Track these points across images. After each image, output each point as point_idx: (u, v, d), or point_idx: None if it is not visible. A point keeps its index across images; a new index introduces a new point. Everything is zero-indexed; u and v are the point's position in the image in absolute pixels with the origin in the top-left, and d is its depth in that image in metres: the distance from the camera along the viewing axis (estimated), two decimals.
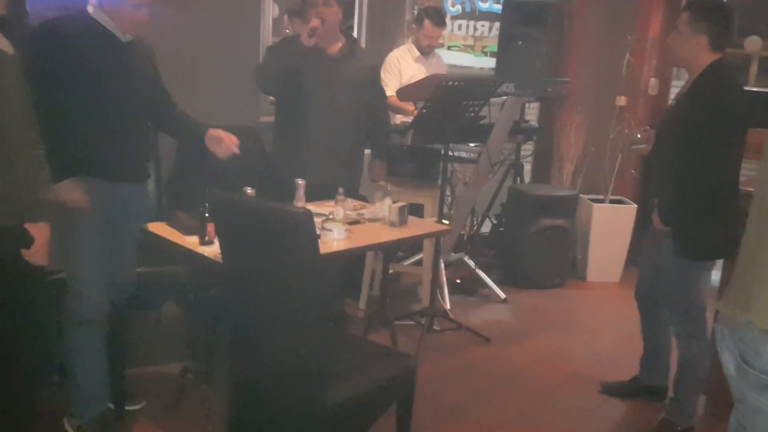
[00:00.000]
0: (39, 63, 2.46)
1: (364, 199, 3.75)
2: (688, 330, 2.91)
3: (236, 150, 2.84)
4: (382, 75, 4.39)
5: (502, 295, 4.49)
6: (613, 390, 3.35)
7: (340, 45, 3.49)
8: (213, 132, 2.84)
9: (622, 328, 4.00)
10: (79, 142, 2.52)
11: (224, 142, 2.82)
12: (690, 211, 2.74)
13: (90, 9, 2.57)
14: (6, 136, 2.09)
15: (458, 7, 5.80)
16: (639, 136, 3.12)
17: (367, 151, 3.83)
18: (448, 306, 4.17)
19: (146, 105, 2.73)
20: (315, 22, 3.26)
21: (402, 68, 4.48)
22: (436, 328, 3.86)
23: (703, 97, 2.67)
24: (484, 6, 5.87)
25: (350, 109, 3.48)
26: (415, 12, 5.70)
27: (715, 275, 2.98)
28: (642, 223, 3.11)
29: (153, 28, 2.66)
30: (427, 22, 4.48)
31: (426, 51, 4.57)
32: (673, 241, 2.79)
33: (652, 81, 5.10)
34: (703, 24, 2.67)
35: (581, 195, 4.95)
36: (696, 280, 2.84)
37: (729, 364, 1.59)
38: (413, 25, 4.63)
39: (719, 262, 3.03)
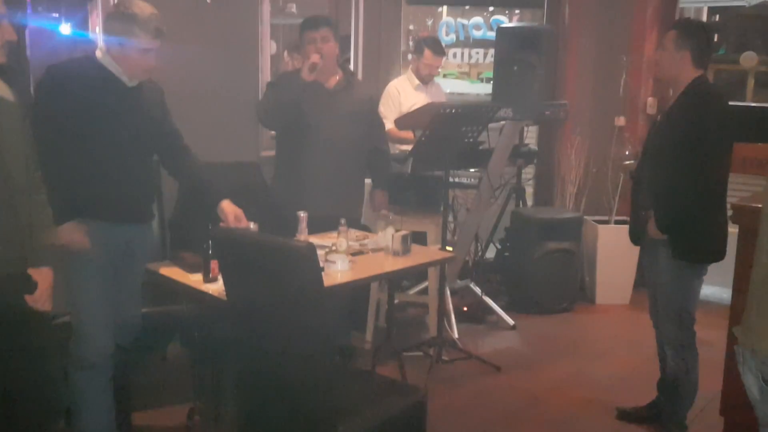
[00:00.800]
0: (45, 106, 2.49)
1: (366, 229, 3.74)
2: (683, 339, 2.98)
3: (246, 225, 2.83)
4: (381, 106, 4.42)
5: (511, 322, 4.44)
6: (630, 416, 3.30)
7: (337, 78, 3.52)
8: (227, 208, 2.82)
9: (636, 351, 3.95)
10: (83, 184, 2.53)
11: (233, 220, 2.80)
12: (686, 217, 2.85)
13: (98, 54, 2.60)
14: (8, 181, 2.09)
15: (452, 36, 5.86)
16: (627, 152, 3.20)
17: (367, 181, 3.83)
18: (456, 335, 4.13)
19: (152, 148, 2.74)
20: (315, 57, 3.31)
21: (402, 98, 4.51)
22: (444, 358, 3.81)
23: (690, 109, 2.83)
24: (478, 34, 5.92)
25: (350, 141, 3.50)
26: (411, 43, 5.76)
27: (708, 290, 3.01)
28: (633, 238, 3.16)
29: (157, 67, 2.68)
30: (427, 52, 4.53)
31: (426, 80, 4.61)
32: (671, 246, 2.88)
33: (650, 100, 5.12)
34: (688, 41, 2.85)
35: (585, 217, 4.93)
36: (691, 286, 2.95)
37: (753, 387, 1.56)
38: (413, 55, 4.68)
39: (724, 281, 3.05)
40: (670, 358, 3.04)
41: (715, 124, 2.78)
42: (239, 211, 2.82)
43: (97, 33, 3.84)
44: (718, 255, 2.93)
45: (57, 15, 6.67)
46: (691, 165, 2.77)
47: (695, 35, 2.87)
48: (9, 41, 2.06)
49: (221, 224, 2.79)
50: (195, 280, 2.74)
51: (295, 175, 3.48)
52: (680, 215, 2.86)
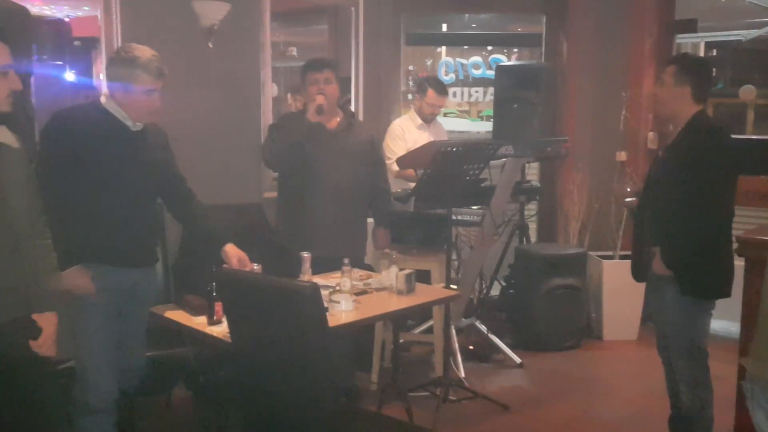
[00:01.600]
0: (50, 151, 2.52)
1: (369, 268, 3.73)
2: (696, 375, 2.92)
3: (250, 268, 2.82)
4: (389, 142, 4.48)
5: (518, 360, 4.40)
6: None
7: (338, 120, 3.56)
8: (230, 251, 2.83)
9: (646, 388, 3.89)
10: (88, 229, 2.54)
11: (237, 263, 2.81)
12: (692, 252, 2.81)
13: (102, 99, 2.63)
14: (12, 227, 2.10)
15: (452, 76, 5.94)
16: (629, 189, 3.18)
17: (369, 220, 3.84)
18: (462, 374, 4.08)
19: (156, 192, 2.76)
20: (321, 99, 3.36)
21: (406, 136, 4.55)
22: (452, 398, 3.76)
23: (693, 145, 2.80)
24: (477, 73, 6.00)
25: (352, 181, 3.53)
26: (410, 83, 5.84)
27: (716, 324, 2.97)
28: (637, 275, 3.14)
29: (160, 110, 2.71)
30: (430, 91, 4.58)
31: (429, 119, 4.65)
32: (678, 282, 2.85)
33: (650, 135, 5.15)
34: (687, 76, 2.84)
35: (590, 252, 4.92)
36: (701, 322, 2.90)
37: (762, 423, 1.53)
38: (416, 95, 4.72)
39: (732, 314, 3.02)
40: (684, 395, 2.97)
41: (719, 159, 2.77)
42: (243, 255, 2.82)
43: (101, 79, 3.90)
44: (726, 290, 2.88)
45: (61, 62, 6.78)
46: (697, 201, 2.75)
47: (695, 70, 2.87)
48: (14, 90, 2.09)
49: (225, 266, 2.79)
50: (199, 322, 2.73)
51: (299, 216, 3.49)
52: (686, 251, 2.83)
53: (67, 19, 7.06)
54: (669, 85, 2.88)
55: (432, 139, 4.40)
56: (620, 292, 4.76)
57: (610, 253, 4.92)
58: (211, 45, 3.96)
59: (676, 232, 2.84)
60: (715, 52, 7.69)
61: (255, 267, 2.86)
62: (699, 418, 2.93)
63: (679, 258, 2.85)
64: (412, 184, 4.35)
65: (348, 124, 3.59)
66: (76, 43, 6.91)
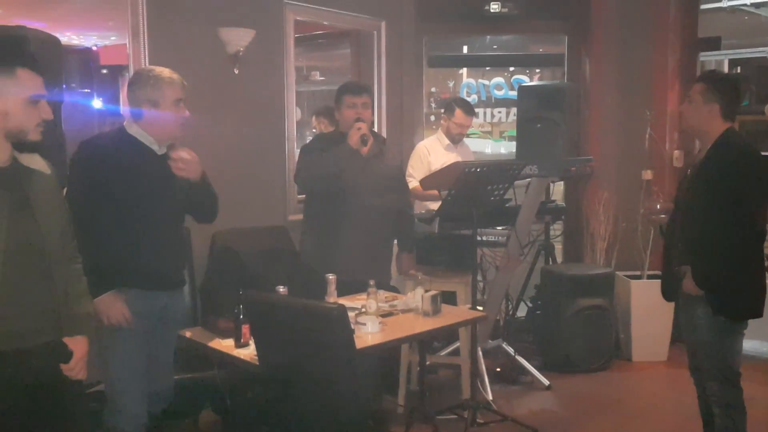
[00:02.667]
0: (79, 179, 2.56)
1: (395, 290, 3.72)
2: (729, 397, 2.88)
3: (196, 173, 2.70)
4: (410, 164, 4.48)
5: (546, 382, 4.34)
6: None
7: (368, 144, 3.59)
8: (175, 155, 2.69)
9: (677, 409, 3.82)
10: (119, 254, 2.57)
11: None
12: (725, 272, 2.78)
13: (126, 125, 2.68)
14: (44, 251, 2.13)
15: (474, 97, 5.96)
16: (658, 207, 3.17)
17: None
18: (490, 396, 4.04)
19: (183, 214, 2.79)
20: (364, 127, 3.35)
21: (432, 158, 4.56)
22: (479, 420, 3.72)
23: (725, 163, 2.78)
24: (500, 93, 6.02)
25: (382, 206, 3.54)
26: (433, 105, 5.87)
27: (748, 344, 2.91)
28: (667, 295, 3.09)
29: (186, 135, 2.75)
30: (458, 111, 4.61)
31: (456, 139, 4.67)
32: (710, 302, 2.81)
33: (676, 153, 5.11)
34: (716, 94, 2.83)
35: (617, 272, 4.86)
36: (732, 343, 2.86)
37: None
38: (444, 115, 4.75)
39: (764, 334, 2.97)
40: (717, 417, 2.92)
41: (750, 178, 2.75)
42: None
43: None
44: (758, 310, 2.84)
45: (89, 90, 6.92)
46: (730, 220, 2.72)
47: (724, 87, 2.86)
48: (45, 120, 2.14)
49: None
50: (226, 345, 2.74)
51: (328, 239, 3.49)
52: (718, 271, 2.79)
53: (95, 48, 7.24)
54: (698, 103, 2.86)
55: (459, 160, 4.41)
56: (649, 312, 4.69)
57: (637, 272, 4.86)
58: (236, 71, 4.02)
59: (707, 252, 2.81)
60: (739, 69, 7.64)
61: (281, 289, 2.87)
62: None
63: (710, 277, 2.81)
64: (435, 206, 4.37)
65: (379, 150, 3.61)
66: (104, 71, 7.07)
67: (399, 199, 3.70)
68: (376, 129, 5.18)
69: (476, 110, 5.82)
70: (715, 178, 2.79)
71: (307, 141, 4.46)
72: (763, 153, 2.92)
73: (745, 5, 5.94)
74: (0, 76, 2.02)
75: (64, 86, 3.61)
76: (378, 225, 3.53)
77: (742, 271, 2.78)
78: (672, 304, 3.30)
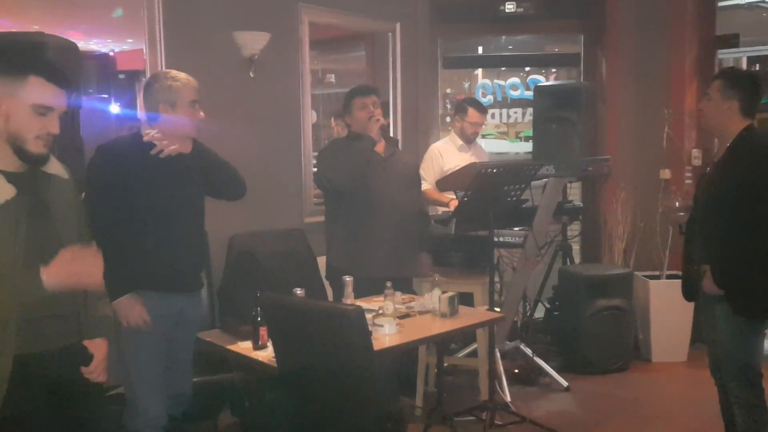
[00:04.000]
0: (96, 184, 2.58)
1: (412, 291, 3.72)
2: (751, 398, 2.84)
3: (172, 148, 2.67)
4: (422, 167, 4.48)
5: (564, 383, 4.31)
6: None
7: (384, 145, 3.60)
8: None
9: (697, 411, 3.78)
10: (137, 257, 2.58)
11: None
12: (744, 270, 2.74)
13: (143, 128, 2.70)
14: None
15: (489, 97, 5.93)
16: (677, 205, 3.15)
17: None
18: (508, 398, 4.02)
19: (201, 215, 2.80)
20: (381, 118, 3.47)
21: (444, 160, 4.55)
22: (498, 422, 3.70)
23: (745, 162, 2.76)
24: (515, 94, 5.99)
25: (405, 204, 3.57)
26: (448, 106, 5.85)
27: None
28: (687, 294, 3.07)
29: (202, 138, 2.77)
30: (471, 110, 4.60)
31: (470, 139, 4.65)
32: (729, 302, 2.78)
33: (695, 152, 5.06)
34: (735, 91, 2.80)
35: (635, 272, 4.82)
36: (753, 343, 2.83)
37: None
38: (456, 116, 4.74)
39: None
40: (738, 417, 2.89)
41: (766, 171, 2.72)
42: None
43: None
44: None
45: (107, 95, 6.98)
46: (748, 219, 2.69)
47: (743, 84, 2.83)
48: (51, 133, 2.06)
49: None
50: (244, 347, 2.75)
51: (355, 238, 3.49)
52: (738, 270, 2.76)
53: (111, 53, 7.30)
54: (716, 100, 2.84)
55: (473, 161, 4.39)
56: (668, 313, 4.65)
57: (656, 272, 4.82)
58: (252, 74, 4.04)
59: (727, 251, 2.78)
60: (758, 67, 7.55)
61: (298, 291, 2.88)
62: None
63: (730, 277, 2.78)
64: (441, 209, 4.37)
65: (393, 150, 3.64)
66: (121, 76, 7.13)
67: (418, 197, 3.74)
68: (391, 131, 5.18)
69: (492, 111, 5.81)
70: (734, 176, 2.76)
71: (324, 144, 4.47)
72: None
73: (763, 1, 5.87)
74: (10, 80, 2.00)
75: (82, 92, 3.66)
76: (403, 222, 3.55)
77: (761, 270, 2.74)
78: (691, 304, 3.27)
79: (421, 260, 3.78)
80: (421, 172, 4.50)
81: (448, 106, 5.94)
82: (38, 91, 2.01)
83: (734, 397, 2.90)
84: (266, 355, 2.63)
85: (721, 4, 5.28)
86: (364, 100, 3.54)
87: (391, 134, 5.17)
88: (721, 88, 2.82)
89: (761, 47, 6.40)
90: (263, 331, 2.67)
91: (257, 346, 2.70)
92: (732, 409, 2.98)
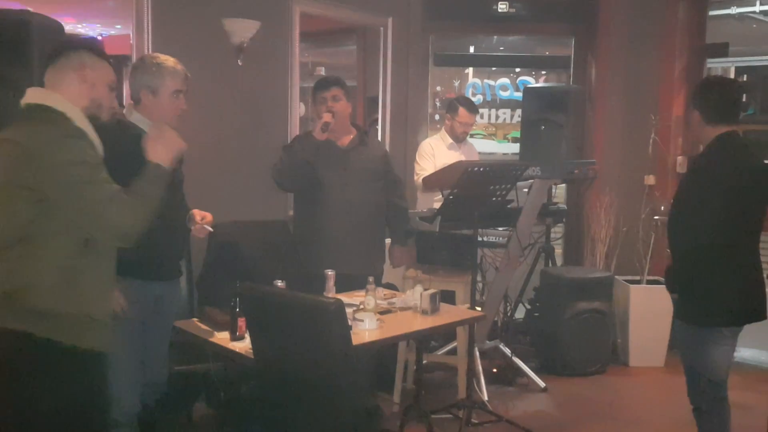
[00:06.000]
0: None
1: (390, 287, 3.71)
2: (702, 404, 2.87)
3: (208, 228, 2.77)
4: (418, 160, 4.52)
5: (542, 384, 4.33)
6: None
7: (351, 137, 3.57)
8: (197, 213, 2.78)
9: (672, 416, 3.80)
10: None
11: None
12: (694, 276, 2.76)
13: (126, 111, 2.66)
14: None
15: (479, 97, 5.94)
16: (662, 208, 3.20)
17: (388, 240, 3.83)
18: (485, 397, 4.02)
19: (182, 203, 2.77)
20: (327, 116, 3.37)
21: (435, 155, 4.55)
22: (474, 420, 3.71)
23: (703, 167, 2.82)
24: (504, 94, 6.00)
25: (365, 197, 3.53)
26: (438, 104, 5.85)
27: (746, 352, 2.89)
28: (669, 285, 3.11)
29: (186, 126, 2.73)
30: (462, 110, 4.60)
31: (460, 138, 4.66)
32: (676, 307, 2.84)
33: (680, 159, 5.09)
34: (696, 101, 2.85)
35: (616, 276, 4.84)
36: (704, 351, 2.80)
37: None
38: (447, 114, 4.74)
39: (762, 343, 2.94)
40: (696, 418, 2.93)
41: (728, 183, 2.69)
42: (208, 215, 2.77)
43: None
44: (734, 318, 2.77)
45: None
46: (700, 221, 2.71)
47: (704, 92, 2.86)
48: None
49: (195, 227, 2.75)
50: (222, 338, 2.72)
51: (313, 233, 3.50)
52: (687, 272, 2.78)
53: (100, 38, 7.22)
54: (689, 110, 2.98)
55: (462, 159, 4.39)
56: (647, 318, 4.68)
57: (637, 277, 4.84)
58: (240, 62, 4.00)
59: (679, 254, 2.82)
60: (745, 77, 7.61)
61: (279, 283, 2.86)
62: None
63: (679, 281, 2.82)
64: (438, 204, 4.35)
65: (360, 141, 3.60)
66: (108, 60, 7.07)
67: (387, 189, 3.68)
68: (380, 126, 5.17)
69: (481, 111, 5.81)
70: (693, 184, 2.81)
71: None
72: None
73: (753, 12, 5.91)
74: (97, 57, 2.20)
75: None
76: (364, 216, 3.52)
77: (713, 279, 2.72)
78: (670, 310, 3.28)
79: (393, 253, 3.78)
80: (417, 166, 4.53)
81: (438, 104, 5.94)
82: (111, 72, 2.23)
83: (691, 400, 2.93)
84: (243, 346, 2.60)
85: (711, 13, 5.31)
86: (323, 94, 3.47)
87: (379, 130, 5.17)
88: (690, 98, 2.96)
89: (750, 57, 6.46)
90: (241, 322, 2.64)
91: (235, 337, 2.67)
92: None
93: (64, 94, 2.11)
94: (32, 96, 2.12)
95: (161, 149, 2.27)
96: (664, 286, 3.09)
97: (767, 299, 2.82)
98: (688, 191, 2.81)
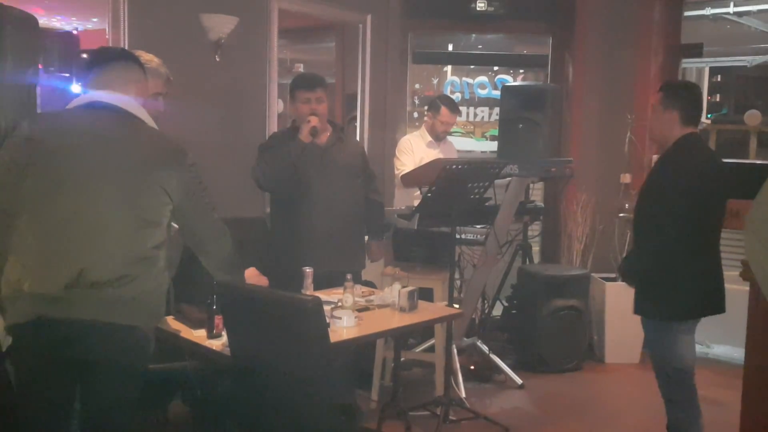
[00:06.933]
0: None
1: (369, 284, 3.71)
2: (674, 395, 2.94)
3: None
4: (399, 156, 4.52)
5: (519, 381, 4.36)
6: None
7: (328, 134, 3.56)
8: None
9: (646, 411, 3.85)
10: None
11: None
12: (655, 272, 2.86)
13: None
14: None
15: (457, 95, 5.95)
16: (627, 206, 3.27)
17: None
18: (463, 394, 4.04)
19: None
20: (314, 120, 3.36)
21: (415, 151, 4.56)
22: (452, 417, 3.72)
23: (667, 164, 2.91)
24: (483, 92, 6.02)
25: (345, 194, 3.53)
26: (416, 101, 5.85)
27: (718, 349, 2.94)
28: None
29: (163, 123, 2.70)
30: (444, 109, 4.61)
31: (440, 137, 4.67)
32: (639, 303, 2.94)
33: (655, 157, 5.13)
34: (675, 101, 2.93)
35: (592, 274, 4.89)
36: (669, 343, 2.90)
37: None
38: (428, 113, 4.74)
39: (735, 339, 3.00)
40: (667, 412, 2.99)
41: (685, 177, 2.80)
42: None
43: None
44: (691, 313, 2.89)
45: (68, 75, 6.80)
46: (655, 218, 2.82)
47: (682, 95, 2.96)
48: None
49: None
50: (198, 335, 2.70)
51: (294, 231, 3.48)
52: (647, 269, 2.88)
53: (75, 32, 7.11)
54: (658, 111, 2.98)
55: (440, 157, 4.40)
56: (623, 315, 4.68)
57: (613, 275, 4.89)
58: (218, 58, 3.97)
59: (637, 247, 2.95)
60: (719, 78, 7.71)
61: None
62: None
63: (629, 272, 2.95)
64: (417, 202, 4.35)
65: (337, 138, 3.60)
66: (84, 55, 6.96)
67: (364, 185, 3.69)
68: (358, 123, 5.16)
69: (459, 108, 5.82)
70: (655, 180, 2.92)
71: None
72: (741, 161, 2.99)
73: (728, 14, 5.99)
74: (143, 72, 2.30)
75: (41, 68, 3.54)
76: (344, 213, 3.52)
77: (672, 272, 2.82)
78: None
79: (370, 248, 3.78)
80: (397, 162, 4.53)
81: (416, 101, 5.95)
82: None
83: (660, 391, 3.00)
84: (220, 344, 2.58)
85: (686, 14, 5.37)
86: (307, 94, 3.43)
87: (358, 127, 5.16)
88: (662, 99, 2.97)
89: (724, 58, 6.54)
90: (218, 320, 2.62)
91: (212, 335, 2.65)
92: None
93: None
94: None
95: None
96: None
97: (724, 293, 2.93)
98: (656, 187, 2.89)
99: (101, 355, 2.08)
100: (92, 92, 2.17)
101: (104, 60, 2.22)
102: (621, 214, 3.32)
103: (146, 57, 2.61)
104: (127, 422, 2.17)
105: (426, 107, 4.97)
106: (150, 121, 2.21)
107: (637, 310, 2.96)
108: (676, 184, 2.79)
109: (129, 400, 2.17)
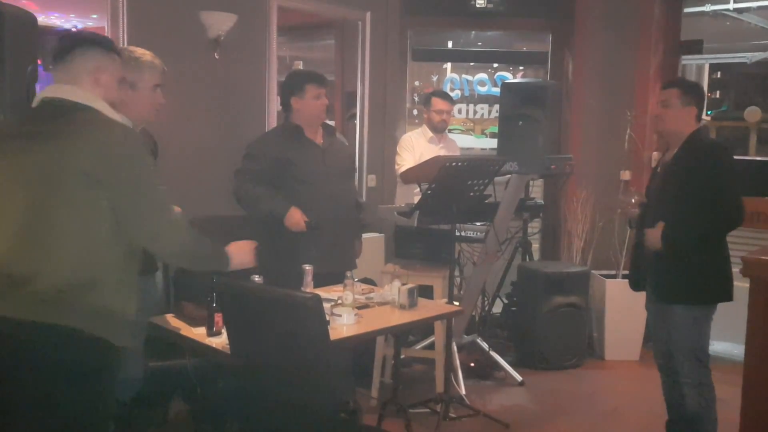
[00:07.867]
0: None
1: (370, 282, 3.71)
2: (701, 377, 3.02)
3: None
4: (399, 152, 4.51)
5: (519, 378, 4.36)
6: None
7: (321, 133, 3.57)
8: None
9: (647, 408, 3.85)
10: None
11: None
12: (689, 258, 2.97)
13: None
14: None
15: (457, 92, 5.94)
16: (633, 200, 3.30)
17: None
18: (463, 391, 4.04)
19: None
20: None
21: (416, 147, 4.56)
22: (452, 415, 3.72)
23: (699, 153, 3.00)
24: (482, 90, 6.00)
25: (344, 194, 3.55)
26: (416, 98, 5.84)
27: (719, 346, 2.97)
28: (634, 284, 3.29)
29: (162, 120, 2.70)
30: (434, 98, 4.62)
31: (439, 129, 4.65)
32: (668, 289, 3.02)
33: (655, 154, 5.14)
34: (692, 98, 3.06)
35: (592, 271, 4.89)
36: (705, 326, 3.03)
37: None
38: (424, 108, 4.75)
39: (735, 336, 3.02)
40: (689, 398, 3.04)
41: (727, 166, 2.96)
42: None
43: None
44: (727, 295, 3.00)
45: None
46: (706, 205, 2.90)
47: (698, 92, 3.11)
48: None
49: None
50: (198, 333, 2.70)
51: (295, 232, 3.46)
52: (686, 255, 2.96)
53: (74, 29, 7.09)
54: (676, 107, 3.06)
55: (441, 154, 4.40)
56: (623, 312, 4.73)
57: (613, 272, 4.89)
58: (217, 56, 3.97)
59: (680, 233, 2.96)
60: (719, 75, 7.70)
61: (256, 278, 2.84)
62: (706, 418, 3.02)
63: (675, 244, 2.96)
64: (417, 199, 4.35)
65: (330, 139, 3.60)
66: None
67: (355, 186, 3.77)
68: (358, 121, 5.15)
69: (459, 106, 5.81)
70: (690, 168, 2.97)
71: None
72: (742, 157, 3.04)
73: (727, 10, 5.98)
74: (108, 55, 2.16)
75: (40, 66, 3.53)
76: (344, 212, 3.53)
77: (709, 258, 2.97)
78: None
79: (355, 246, 3.79)
80: (398, 158, 4.54)
81: (416, 99, 5.94)
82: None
83: (685, 378, 3.05)
84: (220, 341, 2.58)
85: (687, 10, 5.36)
86: (319, 90, 3.44)
87: (357, 125, 5.15)
88: (680, 95, 3.06)
89: (724, 54, 6.53)
90: (218, 318, 2.62)
91: (211, 333, 2.65)
92: (679, 391, 3.11)
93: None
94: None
95: (240, 257, 2.36)
96: None
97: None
98: (686, 178, 2.96)
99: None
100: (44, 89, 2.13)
101: (59, 53, 2.13)
102: (635, 209, 3.34)
103: (138, 52, 2.62)
104: None
105: (422, 104, 4.97)
106: (107, 110, 2.10)
107: (668, 297, 3.03)
108: (731, 167, 2.95)
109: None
